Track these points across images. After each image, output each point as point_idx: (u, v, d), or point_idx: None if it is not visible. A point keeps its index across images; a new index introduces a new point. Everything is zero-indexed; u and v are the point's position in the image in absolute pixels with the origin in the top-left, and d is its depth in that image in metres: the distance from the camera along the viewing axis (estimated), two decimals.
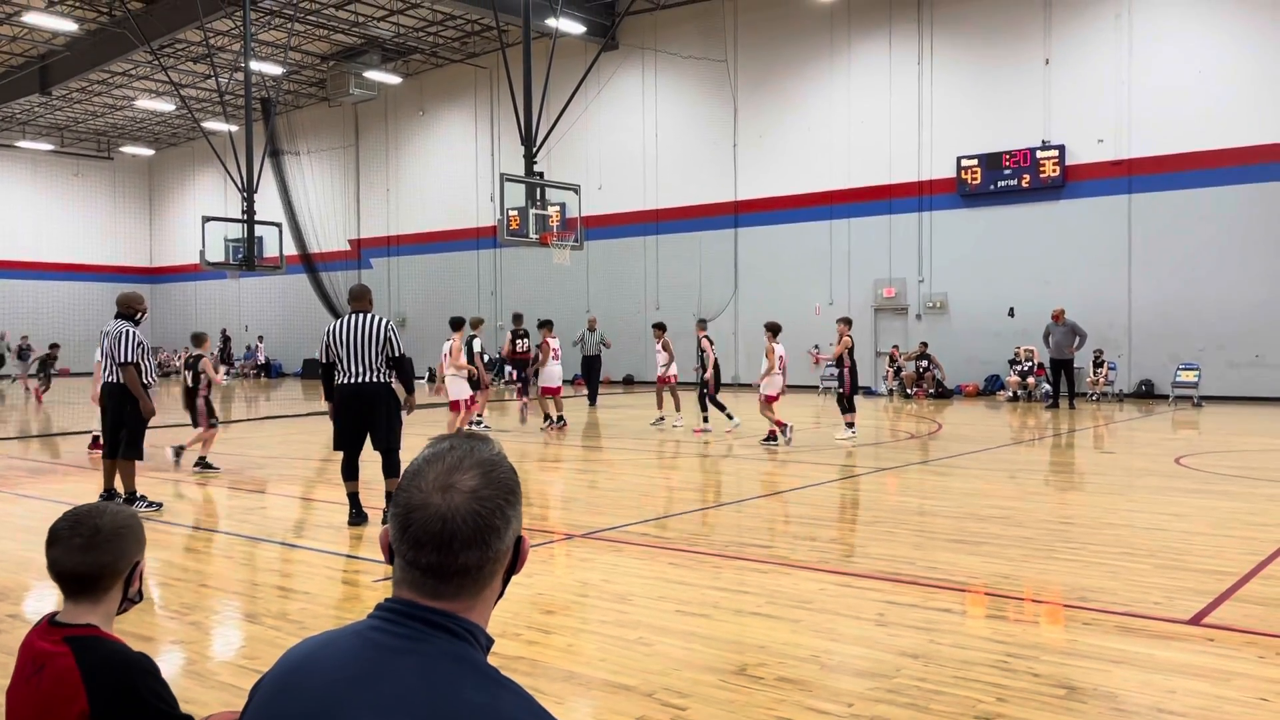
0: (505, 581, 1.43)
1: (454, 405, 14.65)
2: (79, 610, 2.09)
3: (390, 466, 8.39)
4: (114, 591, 2.12)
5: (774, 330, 14.87)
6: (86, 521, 2.11)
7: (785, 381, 14.74)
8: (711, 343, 16.36)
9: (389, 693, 1.28)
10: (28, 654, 2.06)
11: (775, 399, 14.55)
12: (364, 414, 8.32)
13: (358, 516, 8.40)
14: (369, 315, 8.40)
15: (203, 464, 12.12)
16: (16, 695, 2.03)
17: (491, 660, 1.40)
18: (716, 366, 16.20)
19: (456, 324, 15.14)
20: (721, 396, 16.53)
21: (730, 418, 15.81)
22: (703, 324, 16.84)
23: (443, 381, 15.14)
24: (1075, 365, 21.19)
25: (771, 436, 14.40)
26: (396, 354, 8.37)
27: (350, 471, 8.48)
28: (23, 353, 26.81)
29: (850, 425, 14.86)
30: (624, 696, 4.25)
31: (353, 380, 8.28)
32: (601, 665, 4.67)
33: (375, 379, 8.32)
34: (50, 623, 2.09)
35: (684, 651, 4.82)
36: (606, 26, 28.66)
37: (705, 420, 16.16)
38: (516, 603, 5.72)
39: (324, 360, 8.41)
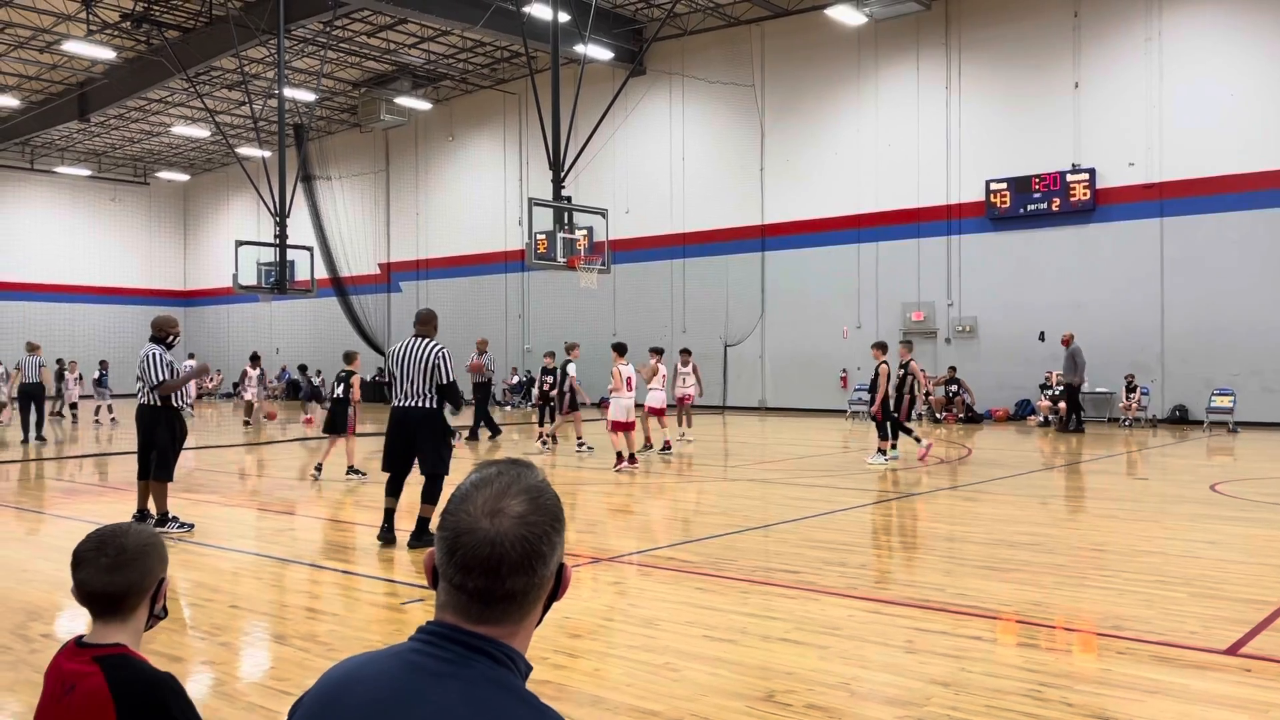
0: (546, 608, 1.43)
1: (616, 426, 14.33)
2: (108, 630, 2.11)
3: (431, 493, 8.36)
4: (141, 610, 2.15)
5: (620, 350, 14.86)
6: (112, 542, 2.13)
7: (635, 402, 14.65)
8: (889, 366, 15.23)
9: (429, 716, 1.28)
10: (56, 676, 2.08)
11: (629, 425, 14.28)
12: (408, 438, 8.41)
13: (387, 533, 8.43)
14: (425, 340, 8.46)
15: (353, 470, 13.11)
16: (46, 718, 2.05)
17: None
18: (896, 390, 15.17)
19: (620, 349, 14.83)
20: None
21: (892, 448, 14.92)
22: (882, 347, 15.35)
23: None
24: (1100, 390, 21.14)
25: (629, 459, 14.18)
26: (445, 380, 8.37)
27: (393, 488, 8.54)
28: (102, 378, 27.17)
29: (883, 451, 14.67)
30: None
31: (400, 403, 8.41)
32: (628, 690, 4.65)
33: (420, 404, 8.36)
34: (77, 644, 2.11)
35: (711, 677, 4.79)
36: (634, 52, 28.88)
37: (894, 445, 15.03)
38: (543, 626, 5.68)
39: (388, 380, 8.52)
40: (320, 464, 13.44)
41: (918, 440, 14.98)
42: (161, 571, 2.18)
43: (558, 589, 1.43)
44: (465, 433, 18.85)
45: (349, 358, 14.02)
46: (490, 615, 1.35)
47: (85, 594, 2.13)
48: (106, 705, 2.00)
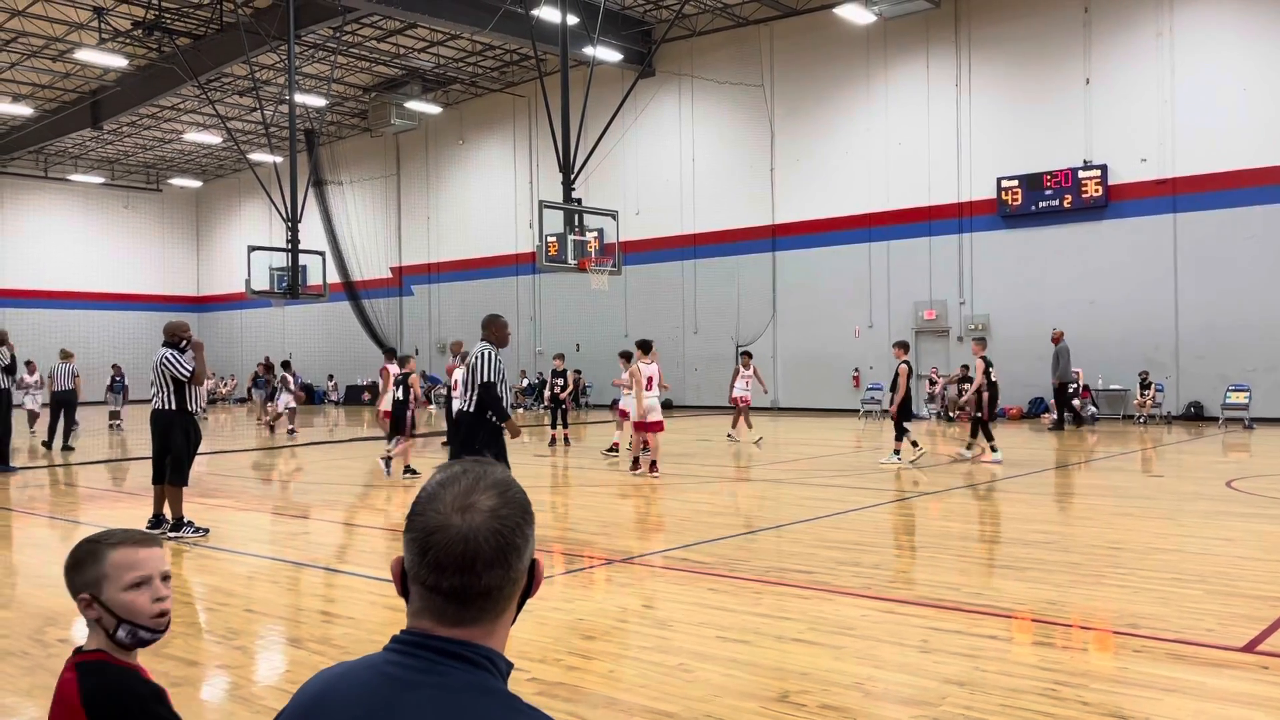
0: (520, 606, 1.40)
1: (638, 427, 14.02)
2: (90, 638, 2.13)
3: None
4: (94, 622, 2.11)
5: (644, 348, 13.84)
6: (70, 552, 2.14)
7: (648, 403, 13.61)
8: (990, 365, 14.91)
9: None
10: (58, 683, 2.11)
11: (654, 426, 13.39)
12: (458, 437, 8.54)
13: None
14: (479, 344, 8.53)
15: (410, 471, 13.65)
16: None
17: (532, 685, 1.39)
18: (992, 390, 14.76)
19: (645, 346, 14.19)
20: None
21: (994, 450, 14.49)
22: (981, 342, 15.00)
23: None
24: (1114, 388, 21.08)
25: (636, 464, 13.45)
26: (478, 380, 8.33)
27: None
28: (115, 384, 27.28)
29: (898, 451, 14.40)
30: None
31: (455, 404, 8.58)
32: (642, 691, 4.65)
33: (464, 406, 8.48)
34: (75, 650, 2.14)
35: (725, 678, 4.79)
36: (643, 54, 28.89)
37: (994, 449, 14.55)
38: (557, 628, 5.72)
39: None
40: (407, 466, 13.87)
41: (994, 449, 14.47)
42: (79, 589, 2.10)
43: (530, 584, 1.39)
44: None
45: (403, 362, 14.50)
46: (466, 615, 1.32)
47: None
48: (77, 710, 2.01)
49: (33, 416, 23.19)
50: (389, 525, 10.04)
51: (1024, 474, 13.14)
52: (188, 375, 9.16)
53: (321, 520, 10.64)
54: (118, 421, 25.71)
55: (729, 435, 19.04)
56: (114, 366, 28.45)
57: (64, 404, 19.06)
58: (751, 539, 8.81)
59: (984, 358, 14.95)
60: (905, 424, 14.53)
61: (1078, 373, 22.73)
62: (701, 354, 29.62)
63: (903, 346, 14.88)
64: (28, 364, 23.81)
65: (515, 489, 1.38)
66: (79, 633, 5.97)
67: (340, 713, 1.31)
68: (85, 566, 2.11)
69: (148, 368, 9.69)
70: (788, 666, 4.96)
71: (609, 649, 5.42)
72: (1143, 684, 4.60)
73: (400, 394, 14.16)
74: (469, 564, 1.30)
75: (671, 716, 4.29)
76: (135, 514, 10.25)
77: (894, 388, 14.84)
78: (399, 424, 14.07)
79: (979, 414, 14.95)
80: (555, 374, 18.64)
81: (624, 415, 16.41)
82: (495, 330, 8.64)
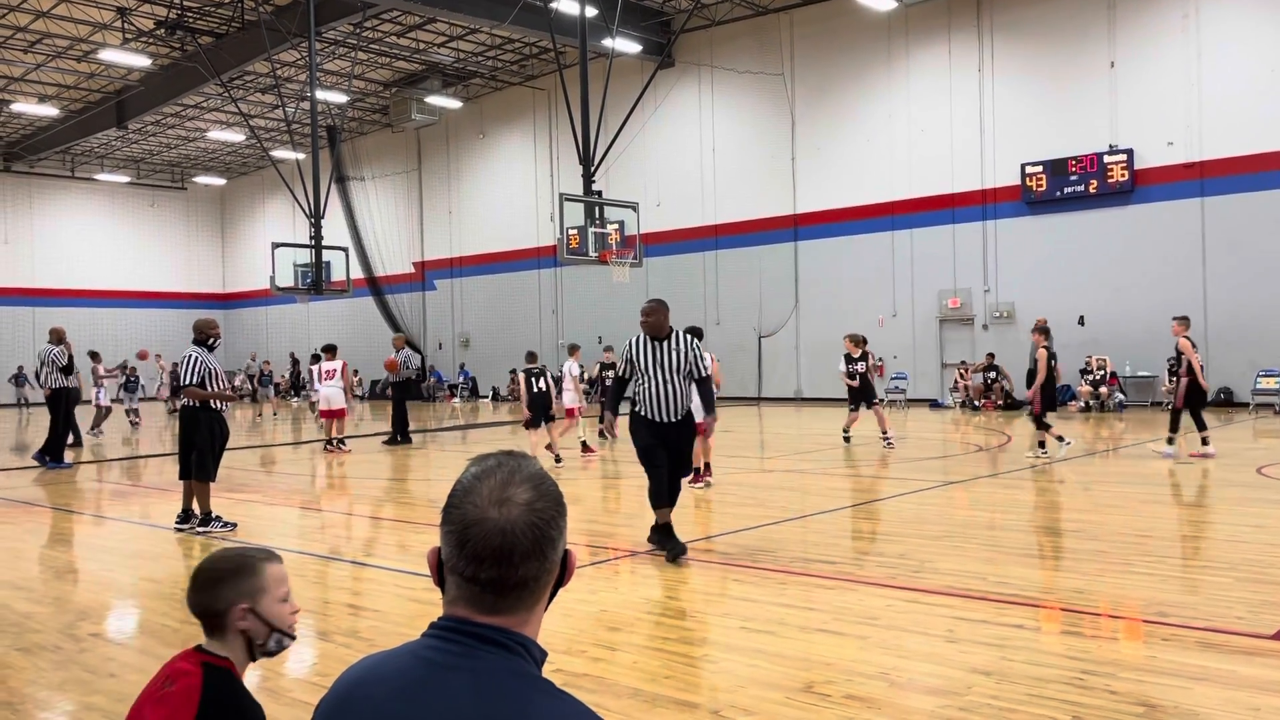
0: (552, 595, 1.45)
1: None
2: (212, 645, 2.23)
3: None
4: (228, 635, 2.21)
5: (695, 335, 11.98)
6: (203, 563, 2.28)
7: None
8: (1195, 346, 13.17)
9: (441, 710, 1.30)
10: (165, 671, 2.17)
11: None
12: None
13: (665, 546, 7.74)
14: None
15: (583, 447, 15.39)
16: (142, 708, 2.13)
17: (557, 677, 1.41)
18: (1173, 374, 13.04)
19: (696, 334, 12.80)
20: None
21: (1169, 442, 13.26)
22: (1184, 321, 13.29)
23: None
24: (1142, 374, 20.81)
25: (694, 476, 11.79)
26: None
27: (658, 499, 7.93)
28: (130, 383, 27.45)
29: (1042, 444, 13.45)
30: (689, 714, 4.24)
31: None
32: (667, 682, 4.66)
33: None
34: (195, 648, 2.23)
35: (749, 668, 4.79)
36: (662, 44, 28.81)
37: (1205, 442, 13.14)
38: (582, 620, 5.74)
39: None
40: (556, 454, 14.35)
41: (1204, 441, 13.06)
42: (234, 597, 2.20)
43: (563, 575, 1.44)
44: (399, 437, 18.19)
45: (533, 355, 15.06)
46: (503, 605, 1.36)
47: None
48: (194, 704, 2.07)
49: (104, 413, 22.80)
50: (414, 519, 10.10)
51: (1051, 462, 13.04)
52: (181, 384, 9.31)
53: (348, 514, 10.72)
54: (136, 420, 25.95)
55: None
56: (130, 368, 28.66)
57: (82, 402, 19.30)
58: (775, 530, 8.80)
59: (1188, 337, 13.07)
60: (1046, 415, 13.35)
61: (1105, 359, 22.54)
62: (724, 345, 29.55)
63: (1043, 332, 13.45)
64: (93, 355, 23.77)
65: (550, 482, 1.42)
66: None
67: (380, 695, 1.36)
68: (243, 578, 2.23)
69: (177, 365, 9.79)
70: (812, 657, 4.96)
71: (634, 640, 5.43)
72: (1171, 672, 4.56)
73: (545, 385, 14.72)
74: (506, 556, 1.34)
75: (696, 707, 4.30)
76: (163, 509, 10.37)
77: (1032, 377, 13.50)
78: (544, 414, 14.76)
79: (1198, 397, 13.14)
80: (604, 366, 18.73)
81: (571, 414, 15.57)
82: (642, 316, 8.20)
